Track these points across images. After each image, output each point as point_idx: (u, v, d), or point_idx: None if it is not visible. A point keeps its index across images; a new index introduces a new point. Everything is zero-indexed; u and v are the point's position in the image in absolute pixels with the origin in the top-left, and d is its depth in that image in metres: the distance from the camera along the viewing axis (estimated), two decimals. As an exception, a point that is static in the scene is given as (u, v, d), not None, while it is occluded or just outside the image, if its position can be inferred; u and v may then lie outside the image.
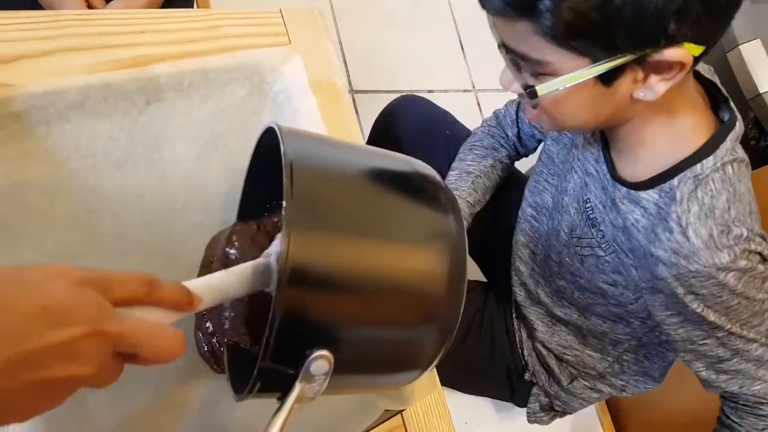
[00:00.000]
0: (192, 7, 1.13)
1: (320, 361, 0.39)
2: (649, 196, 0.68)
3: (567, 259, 0.85)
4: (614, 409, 1.49)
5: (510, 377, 1.06)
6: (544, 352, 1.01)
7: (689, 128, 0.66)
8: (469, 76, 1.97)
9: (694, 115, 0.67)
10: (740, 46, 1.14)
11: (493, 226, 1.11)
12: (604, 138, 0.77)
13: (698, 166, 0.64)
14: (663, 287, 0.69)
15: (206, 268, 0.59)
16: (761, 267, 0.65)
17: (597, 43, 0.55)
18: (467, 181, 0.98)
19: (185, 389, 0.60)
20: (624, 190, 0.71)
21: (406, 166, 0.49)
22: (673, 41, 0.55)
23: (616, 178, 0.73)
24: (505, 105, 1.04)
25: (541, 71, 0.60)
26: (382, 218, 0.44)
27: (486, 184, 0.99)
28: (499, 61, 0.67)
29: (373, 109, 1.19)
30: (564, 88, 0.59)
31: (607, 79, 0.59)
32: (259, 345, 0.38)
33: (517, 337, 1.05)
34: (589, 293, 0.86)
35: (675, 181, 0.65)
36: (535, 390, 1.05)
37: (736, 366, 0.72)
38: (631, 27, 0.53)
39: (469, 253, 1.15)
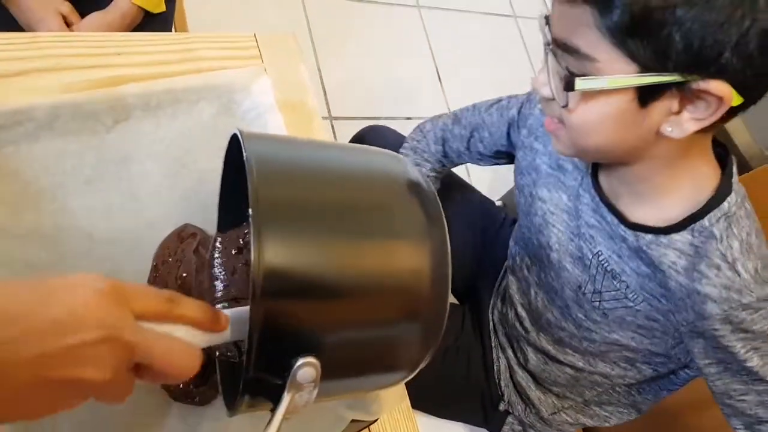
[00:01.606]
0: (170, 30, 1.13)
1: (306, 368, 0.37)
2: (683, 237, 0.65)
3: (580, 315, 0.81)
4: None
5: (484, 406, 1.02)
6: (524, 383, 0.97)
7: (706, 168, 0.66)
8: (445, 103, 1.99)
9: (708, 155, 0.66)
10: None
11: (470, 252, 1.10)
12: (595, 186, 0.74)
13: (725, 204, 0.64)
14: (706, 329, 0.66)
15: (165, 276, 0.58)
16: None
17: (652, 47, 0.53)
18: None
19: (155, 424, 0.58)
20: (650, 236, 0.68)
21: (386, 163, 0.47)
22: (722, 74, 0.53)
23: (633, 226, 0.69)
24: (431, 120, 1.03)
25: (585, 70, 0.57)
26: (358, 218, 0.41)
27: None
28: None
29: (351, 135, 1.19)
30: (602, 88, 0.56)
31: (645, 97, 0.57)
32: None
33: (495, 368, 1.01)
34: (603, 345, 0.82)
35: (705, 221, 0.64)
36: (509, 419, 1.02)
37: None
38: (690, 41, 0.51)
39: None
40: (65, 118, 0.61)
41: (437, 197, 0.45)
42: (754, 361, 0.65)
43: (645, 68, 0.55)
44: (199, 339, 0.39)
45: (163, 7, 1.03)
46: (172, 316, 0.37)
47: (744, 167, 1.16)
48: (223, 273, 0.56)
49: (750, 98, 0.56)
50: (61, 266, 0.59)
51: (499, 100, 0.95)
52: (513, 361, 0.99)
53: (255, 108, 0.72)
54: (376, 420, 0.61)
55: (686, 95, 0.56)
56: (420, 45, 2.09)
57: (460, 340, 1.03)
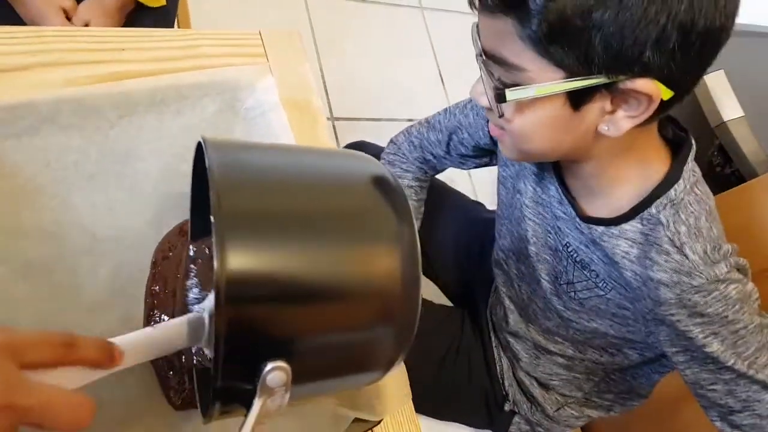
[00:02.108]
0: (172, 26, 1.12)
1: (276, 372, 0.37)
2: (632, 226, 0.66)
3: (559, 306, 0.81)
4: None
5: (489, 407, 1.01)
6: (527, 381, 0.97)
7: (654, 158, 0.67)
8: (447, 104, 1.98)
9: (656, 144, 0.67)
10: (705, 77, 1.17)
11: (464, 255, 1.10)
12: (558, 177, 0.74)
13: (672, 191, 0.64)
14: (665, 315, 0.66)
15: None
16: (750, 284, 0.64)
17: (574, 53, 0.54)
18: None
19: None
20: (601, 228, 0.69)
21: (354, 165, 0.46)
22: (647, 72, 0.54)
23: (587, 219, 0.71)
24: (403, 132, 1.02)
25: (516, 80, 0.58)
26: (324, 222, 0.41)
27: None
28: None
29: (352, 136, 1.19)
30: (532, 96, 0.57)
31: (576, 101, 0.58)
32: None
33: (497, 368, 1.00)
34: (587, 333, 0.82)
35: (653, 208, 0.65)
36: (516, 419, 1.00)
37: (749, 420, 0.68)
38: (609, 43, 0.52)
39: (431, 278, 1.14)
40: (68, 112, 0.59)
41: (406, 197, 0.44)
42: (714, 347, 0.65)
43: (571, 73, 0.55)
44: (85, 377, 0.37)
45: (161, 2, 1.02)
46: (68, 361, 0.36)
47: (751, 173, 1.17)
48: (198, 282, 0.55)
49: (680, 90, 0.56)
50: (61, 263, 0.58)
51: (471, 100, 0.94)
52: (513, 360, 0.99)
53: (259, 106, 0.71)
54: (380, 421, 0.60)
55: (616, 95, 0.57)
56: (422, 46, 2.08)
57: (460, 343, 1.02)
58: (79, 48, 0.71)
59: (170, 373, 0.56)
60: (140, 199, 0.63)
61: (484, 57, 0.60)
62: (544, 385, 0.96)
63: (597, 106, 0.58)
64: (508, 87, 0.58)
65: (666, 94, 0.55)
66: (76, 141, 0.60)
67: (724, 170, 1.25)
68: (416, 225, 0.99)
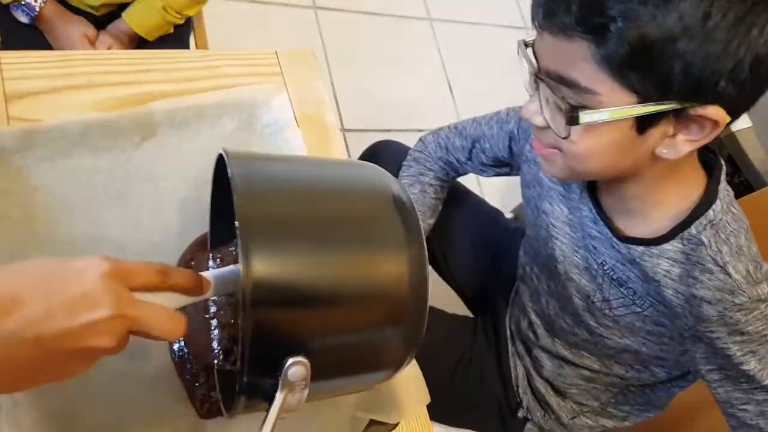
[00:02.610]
0: (188, 47, 1.17)
1: (297, 367, 0.40)
2: (673, 246, 0.67)
3: (592, 323, 0.82)
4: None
5: (502, 415, 1.02)
6: (542, 389, 0.97)
7: (693, 177, 0.68)
8: (457, 115, 2.01)
9: (695, 166, 0.68)
10: None
11: (481, 260, 1.11)
12: (593, 198, 0.75)
13: (710, 212, 0.65)
14: (704, 333, 0.67)
15: None
16: None
17: (652, 79, 0.54)
18: None
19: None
20: (641, 248, 0.69)
21: (366, 176, 0.49)
22: (716, 100, 0.54)
23: (625, 239, 0.71)
24: (432, 132, 1.05)
25: (584, 102, 0.57)
26: (339, 229, 0.44)
27: (420, 210, 0.98)
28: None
29: (363, 147, 1.21)
30: (605, 120, 0.57)
31: (643, 125, 0.58)
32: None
33: (512, 376, 1.01)
34: (617, 349, 0.83)
35: (692, 229, 0.65)
36: (528, 426, 1.01)
37: None
38: (690, 72, 0.52)
39: (449, 282, 1.16)
40: (96, 136, 0.63)
41: (414, 206, 0.47)
42: (750, 365, 0.66)
43: (645, 98, 0.56)
44: (179, 301, 0.45)
45: (153, 37, 1.11)
46: (164, 287, 0.44)
47: (759, 182, 1.18)
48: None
49: (736, 116, 0.58)
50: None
51: (498, 113, 0.96)
52: (531, 369, 0.99)
53: (275, 122, 0.74)
54: (397, 425, 0.62)
55: (682, 120, 0.57)
56: (431, 57, 2.11)
57: (472, 351, 1.03)
58: (105, 71, 0.74)
59: (196, 384, 0.60)
60: (164, 214, 0.66)
61: (545, 77, 0.60)
62: (560, 393, 0.97)
63: (661, 130, 0.58)
64: (576, 108, 0.58)
65: (727, 119, 0.56)
66: (104, 163, 0.63)
67: (733, 179, 1.26)
68: (432, 221, 1.00)
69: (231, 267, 0.49)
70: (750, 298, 0.63)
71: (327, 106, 0.83)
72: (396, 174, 1.05)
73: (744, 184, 1.23)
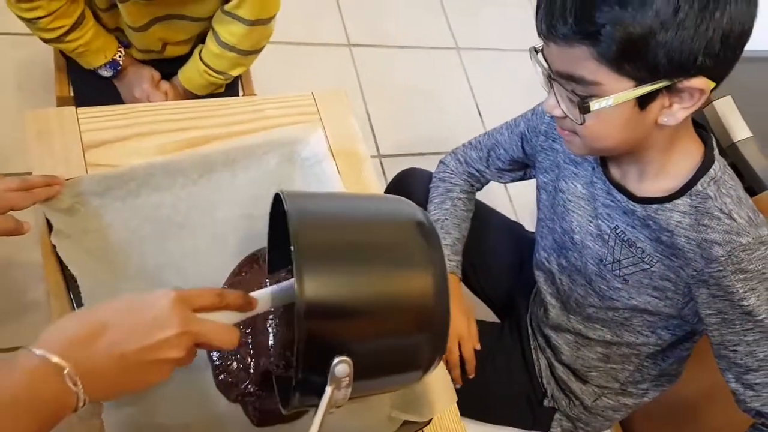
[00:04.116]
0: (237, 95, 1.25)
1: (342, 365, 0.46)
2: (683, 201, 0.75)
3: (603, 286, 0.89)
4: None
5: (531, 405, 1.07)
6: (564, 377, 1.03)
7: (692, 144, 0.76)
8: (487, 135, 2.04)
9: (693, 135, 0.77)
10: (714, 102, 1.24)
11: (507, 269, 1.17)
12: (605, 173, 0.84)
13: (712, 171, 0.74)
14: (711, 275, 0.74)
15: None
16: None
17: (644, 67, 0.63)
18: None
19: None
20: (655, 206, 0.77)
21: (396, 208, 0.57)
22: (698, 72, 0.63)
23: (640, 200, 0.79)
24: (450, 153, 1.14)
25: (591, 92, 0.67)
26: (375, 253, 0.52)
27: (454, 222, 1.06)
28: None
29: (398, 170, 1.27)
30: (611, 105, 0.66)
31: (643, 102, 0.67)
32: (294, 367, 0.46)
33: (536, 368, 1.07)
34: (625, 311, 0.90)
35: (698, 186, 0.74)
36: (557, 416, 1.06)
37: (762, 379, 0.76)
38: (671, 56, 0.61)
39: (477, 292, 1.21)
40: (159, 176, 0.70)
41: (436, 230, 0.54)
42: (750, 300, 0.73)
43: (640, 81, 0.65)
44: (234, 317, 0.53)
45: (205, 92, 1.16)
46: (221, 306, 0.51)
47: (762, 189, 1.21)
48: None
49: (720, 80, 0.66)
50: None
51: (507, 122, 1.07)
52: (552, 358, 1.05)
53: (314, 156, 0.80)
54: (430, 422, 0.67)
55: (674, 93, 0.66)
56: (460, 83, 2.16)
57: (498, 349, 1.09)
58: (165, 119, 0.82)
59: (248, 398, 0.67)
60: (221, 241, 0.74)
61: (556, 77, 0.70)
62: (581, 379, 1.02)
63: (658, 104, 0.67)
64: (585, 99, 0.67)
65: (711, 85, 0.65)
66: (167, 198, 0.71)
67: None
68: (467, 231, 1.07)
69: (284, 283, 0.56)
70: (754, 238, 0.71)
71: (360, 139, 0.90)
72: (423, 196, 1.12)
73: (747, 190, 1.25)
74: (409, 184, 1.18)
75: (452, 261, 1.04)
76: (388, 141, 1.88)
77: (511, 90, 2.14)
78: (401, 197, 0.59)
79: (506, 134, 1.04)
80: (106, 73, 1.11)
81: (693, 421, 1.22)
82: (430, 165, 1.20)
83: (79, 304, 0.62)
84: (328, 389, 0.47)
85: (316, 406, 0.48)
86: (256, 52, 1.13)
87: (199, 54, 1.12)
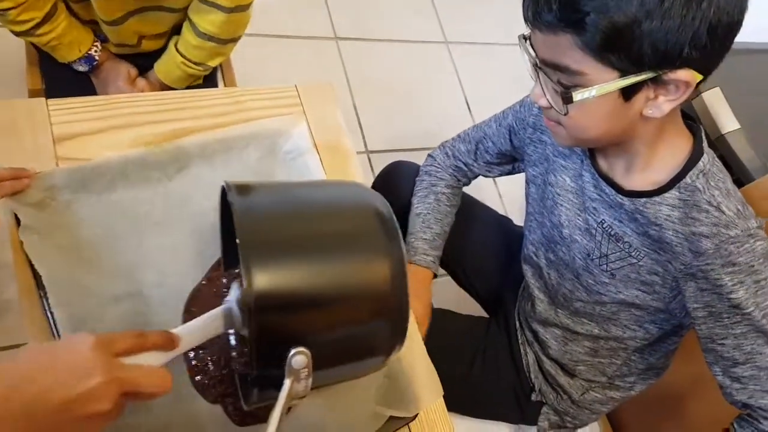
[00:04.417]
0: (215, 85, 1.22)
1: (299, 356, 0.45)
2: (672, 194, 0.73)
3: (590, 281, 0.88)
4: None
5: (518, 399, 1.06)
6: (552, 371, 1.02)
7: (680, 137, 0.75)
8: (475, 130, 2.02)
9: (681, 127, 0.76)
10: (703, 94, 1.23)
11: (494, 263, 1.15)
12: (594, 165, 0.83)
13: (700, 163, 0.73)
14: (700, 268, 0.73)
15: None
16: None
17: (628, 57, 0.61)
18: (417, 222, 1.03)
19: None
20: (644, 199, 0.76)
21: (352, 194, 0.55)
22: (684, 64, 0.62)
23: (629, 193, 0.78)
24: (438, 147, 1.11)
25: (576, 82, 0.65)
26: (327, 242, 0.50)
27: (436, 217, 1.04)
28: None
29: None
30: (594, 96, 0.65)
31: (627, 93, 0.65)
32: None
33: (524, 362, 1.06)
34: (613, 306, 0.89)
35: (687, 179, 0.72)
36: (544, 409, 1.05)
37: (749, 372, 0.75)
38: (656, 47, 0.60)
39: (465, 287, 1.19)
40: (135, 170, 0.68)
41: (394, 219, 0.53)
42: (739, 293, 0.72)
43: (624, 72, 0.63)
44: (159, 358, 0.49)
45: (180, 86, 1.13)
46: (144, 348, 0.47)
47: (749, 180, 1.20)
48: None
49: (708, 73, 0.65)
50: (138, 297, 0.66)
51: (495, 114, 1.04)
52: (540, 352, 1.04)
53: (296, 149, 0.78)
54: (415, 417, 0.65)
55: (660, 84, 0.65)
56: (449, 78, 2.14)
57: (486, 344, 1.08)
58: (143, 111, 0.79)
59: (228, 399, 0.64)
60: (199, 238, 0.71)
61: (542, 65, 0.68)
62: (569, 373, 1.01)
63: (643, 95, 0.66)
64: (569, 89, 0.66)
65: (697, 77, 0.63)
66: (144, 194, 0.68)
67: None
68: (449, 226, 1.05)
69: (213, 311, 0.54)
70: (742, 231, 0.70)
71: (345, 133, 0.87)
72: (410, 190, 1.10)
73: (735, 182, 1.26)
74: (396, 178, 1.16)
75: (429, 256, 1.01)
76: (376, 137, 1.85)
77: (500, 84, 2.12)
78: (358, 183, 0.57)
79: (494, 127, 1.03)
80: (82, 67, 1.08)
81: (678, 413, 1.22)
82: (419, 160, 1.17)
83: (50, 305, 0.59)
84: (287, 382, 0.46)
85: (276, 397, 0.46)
86: (234, 40, 1.10)
87: (175, 45, 1.08)
